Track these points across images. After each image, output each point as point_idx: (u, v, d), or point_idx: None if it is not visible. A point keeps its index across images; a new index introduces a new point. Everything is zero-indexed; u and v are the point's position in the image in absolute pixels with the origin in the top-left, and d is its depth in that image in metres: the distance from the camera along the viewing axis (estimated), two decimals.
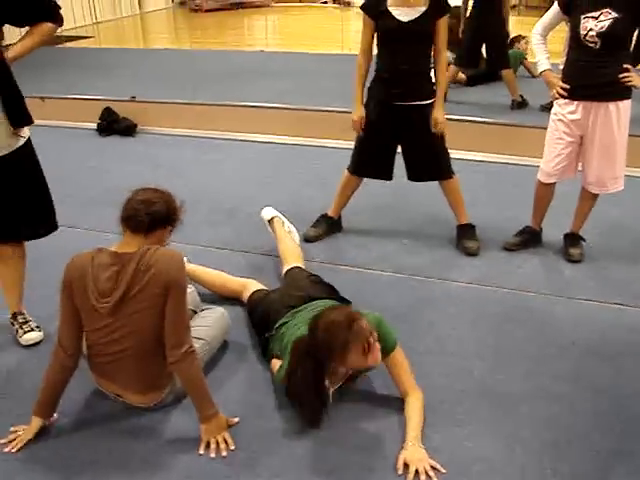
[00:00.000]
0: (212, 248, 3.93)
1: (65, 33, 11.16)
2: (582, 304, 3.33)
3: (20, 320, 3.07)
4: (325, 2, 14.03)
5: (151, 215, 2.48)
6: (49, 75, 7.86)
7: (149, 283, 2.37)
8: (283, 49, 9.54)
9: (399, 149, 3.81)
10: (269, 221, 3.77)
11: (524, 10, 11.98)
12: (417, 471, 2.27)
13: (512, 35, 7.24)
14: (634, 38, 3.42)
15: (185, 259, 2.65)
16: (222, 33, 11.53)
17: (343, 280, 3.34)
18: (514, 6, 11.26)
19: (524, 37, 7.37)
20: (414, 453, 2.33)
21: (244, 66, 8.20)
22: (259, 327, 3.00)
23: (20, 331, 3.04)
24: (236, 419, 2.52)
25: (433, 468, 2.29)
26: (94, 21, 12.25)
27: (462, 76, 6.97)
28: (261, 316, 3.01)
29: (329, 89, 6.71)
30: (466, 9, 6.60)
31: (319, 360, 2.40)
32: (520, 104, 6.23)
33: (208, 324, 2.90)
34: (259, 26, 13.11)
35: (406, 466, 2.30)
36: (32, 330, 3.04)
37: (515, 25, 9.09)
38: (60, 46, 10.29)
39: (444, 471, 2.29)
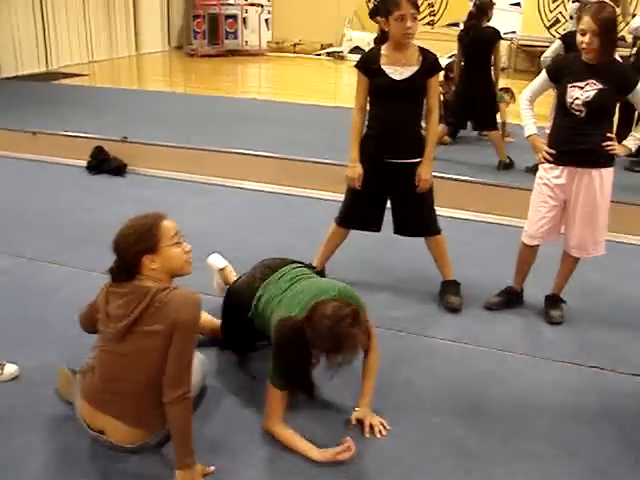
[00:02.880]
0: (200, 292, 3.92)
1: (62, 70, 11.31)
2: (561, 366, 3.36)
3: None
4: (319, 54, 14.28)
5: (120, 265, 2.52)
6: (43, 110, 7.93)
7: (159, 320, 2.38)
8: (275, 98, 9.67)
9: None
10: (220, 270, 3.73)
11: (512, 73, 12.25)
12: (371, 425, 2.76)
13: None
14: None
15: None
16: (216, 79, 11.68)
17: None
18: (503, 69, 11.50)
19: (512, 92, 7.53)
20: (365, 413, 2.80)
21: (236, 113, 8.31)
22: (236, 318, 3.16)
23: None
24: (212, 468, 2.50)
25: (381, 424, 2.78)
26: (90, 60, 12.37)
27: (447, 138, 7.09)
28: (234, 306, 3.19)
29: (319, 140, 6.81)
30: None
31: (310, 347, 2.53)
32: (507, 165, 6.33)
33: None
34: (253, 74, 13.30)
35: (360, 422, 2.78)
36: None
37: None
38: (56, 82, 10.39)
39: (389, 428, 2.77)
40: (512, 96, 7.42)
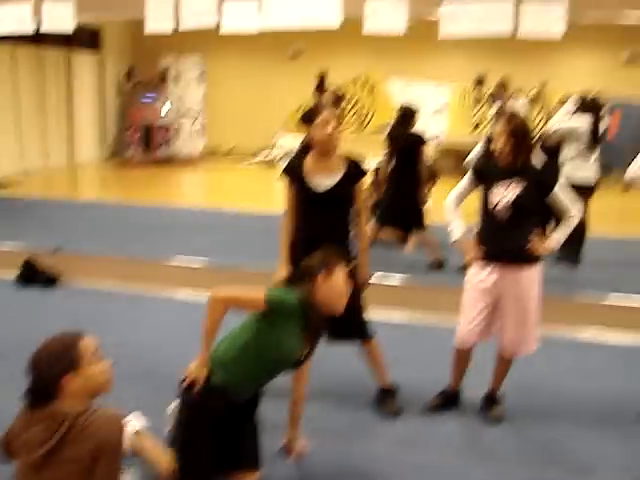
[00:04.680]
0: (128, 409, 3.79)
1: None
2: (501, 466, 3.34)
3: None
4: (251, 164, 14.53)
5: (36, 388, 2.41)
6: None
7: (80, 445, 2.28)
8: (210, 205, 9.76)
9: None
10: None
11: (441, 174, 12.67)
12: None
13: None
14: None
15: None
16: (152, 187, 11.74)
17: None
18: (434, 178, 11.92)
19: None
20: None
21: (172, 221, 8.34)
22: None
23: None
24: None
25: None
26: (23, 169, 12.29)
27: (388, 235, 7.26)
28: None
29: (252, 246, 6.84)
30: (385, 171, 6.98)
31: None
32: (439, 264, 6.47)
33: None
34: (188, 181, 13.41)
35: None
36: None
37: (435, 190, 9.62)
38: None
39: None
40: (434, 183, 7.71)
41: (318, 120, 3.56)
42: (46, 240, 6.82)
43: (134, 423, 3.20)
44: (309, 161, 3.70)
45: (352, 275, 3.68)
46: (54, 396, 2.41)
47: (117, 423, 2.37)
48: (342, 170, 3.67)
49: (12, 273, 6.17)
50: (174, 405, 3.31)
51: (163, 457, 2.94)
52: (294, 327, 2.87)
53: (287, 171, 3.77)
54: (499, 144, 3.49)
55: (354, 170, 3.70)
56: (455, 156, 12.69)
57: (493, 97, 9.02)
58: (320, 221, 3.68)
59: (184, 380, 2.87)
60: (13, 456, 2.51)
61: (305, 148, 3.85)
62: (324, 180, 3.64)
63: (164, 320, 5.38)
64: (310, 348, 3.04)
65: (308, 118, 3.66)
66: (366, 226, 3.94)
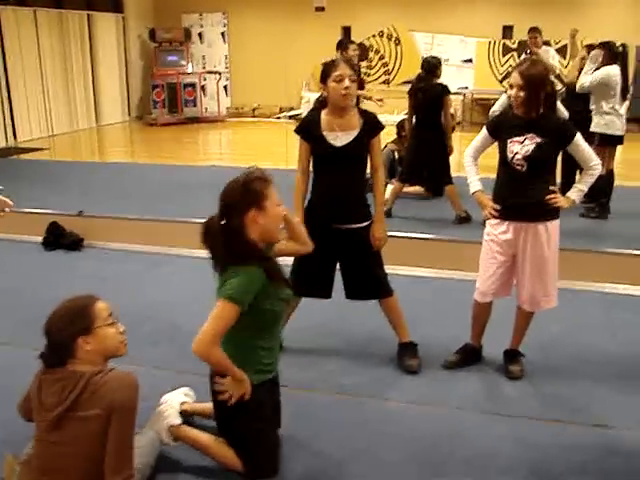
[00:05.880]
0: (152, 369, 3.85)
1: (20, 145, 11.30)
2: (522, 422, 3.32)
3: None
4: (279, 117, 14.46)
5: (53, 349, 2.46)
6: None
7: (94, 404, 2.34)
8: (235, 164, 9.73)
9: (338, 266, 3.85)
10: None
11: (468, 126, 12.51)
12: None
13: None
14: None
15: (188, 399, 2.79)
16: (177, 147, 11.76)
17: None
18: (458, 123, 11.77)
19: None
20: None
21: (195, 181, 8.31)
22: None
23: None
24: None
25: None
26: (50, 133, 12.39)
27: (417, 189, 7.19)
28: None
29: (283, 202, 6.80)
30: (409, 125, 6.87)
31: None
32: (463, 219, 6.39)
33: (138, 449, 2.77)
34: (213, 140, 13.41)
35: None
36: None
37: (460, 141, 9.50)
38: (14, 158, 10.37)
39: None
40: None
41: (333, 74, 3.49)
42: (73, 202, 6.88)
43: (172, 414, 3.05)
44: (325, 117, 3.63)
45: (369, 232, 3.69)
46: (69, 357, 2.47)
47: (131, 384, 2.41)
48: (358, 125, 3.60)
49: (39, 236, 6.25)
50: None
51: (229, 453, 2.88)
52: (262, 286, 2.73)
53: (301, 127, 3.71)
54: (513, 94, 3.39)
55: (371, 125, 3.63)
56: (483, 108, 12.51)
57: (524, 46, 8.81)
58: (337, 178, 3.64)
59: (219, 394, 2.78)
60: (32, 416, 2.57)
61: (321, 104, 3.77)
62: (340, 136, 3.58)
63: (187, 279, 5.41)
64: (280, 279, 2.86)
65: (323, 74, 3.59)
66: (383, 181, 3.87)
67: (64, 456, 2.38)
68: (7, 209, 2.87)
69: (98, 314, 2.53)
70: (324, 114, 3.64)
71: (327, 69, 3.53)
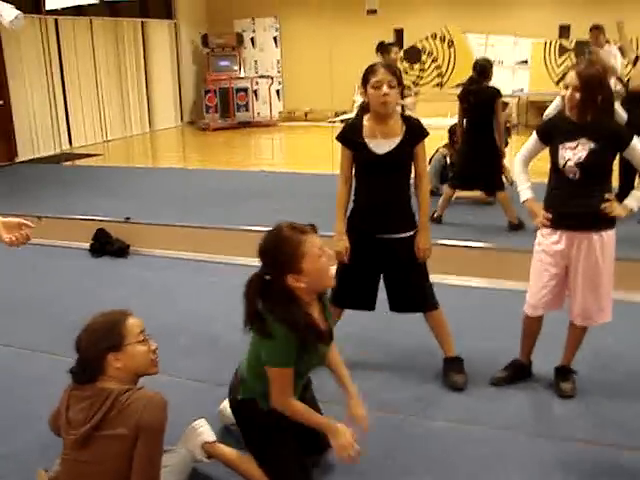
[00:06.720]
0: (188, 380, 3.79)
1: (76, 151, 11.50)
2: (573, 446, 3.13)
3: None
4: (333, 122, 14.35)
5: (83, 364, 2.42)
6: (52, 193, 8.02)
7: (121, 423, 2.29)
8: (285, 169, 9.69)
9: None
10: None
11: (523, 129, 12.20)
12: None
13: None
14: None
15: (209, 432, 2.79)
16: (228, 152, 11.78)
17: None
18: (514, 126, 11.48)
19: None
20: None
21: (244, 186, 8.28)
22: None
23: None
24: None
25: None
26: (104, 139, 12.58)
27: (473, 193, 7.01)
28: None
29: (324, 210, 6.69)
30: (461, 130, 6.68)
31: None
32: (516, 226, 6.17)
33: (168, 467, 2.69)
34: (265, 145, 13.40)
35: None
36: None
37: (515, 143, 9.24)
38: (68, 164, 10.54)
39: None
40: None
41: (372, 80, 3.37)
42: (122, 208, 6.90)
43: (206, 431, 2.99)
44: (367, 124, 3.51)
45: (413, 242, 3.55)
46: (99, 374, 2.43)
47: (159, 404, 2.36)
48: (401, 132, 3.47)
49: (87, 242, 6.29)
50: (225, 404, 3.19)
51: (257, 472, 2.79)
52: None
53: (343, 134, 3.60)
54: (568, 95, 3.21)
55: (414, 131, 3.49)
56: (539, 110, 12.18)
57: (584, 45, 8.49)
58: (380, 186, 3.51)
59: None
60: (60, 433, 2.52)
61: (363, 110, 3.66)
62: (382, 143, 3.45)
63: (230, 287, 5.29)
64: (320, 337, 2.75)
65: (363, 79, 3.47)
66: (428, 189, 3.72)
67: (90, 475, 2.33)
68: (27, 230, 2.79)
69: (130, 330, 2.48)
70: (366, 120, 3.52)
71: (366, 74, 3.41)
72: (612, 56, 7.90)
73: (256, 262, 2.71)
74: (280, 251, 2.58)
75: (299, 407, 2.67)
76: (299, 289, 2.61)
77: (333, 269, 2.71)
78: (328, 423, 2.67)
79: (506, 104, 7.73)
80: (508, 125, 7.87)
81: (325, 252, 2.63)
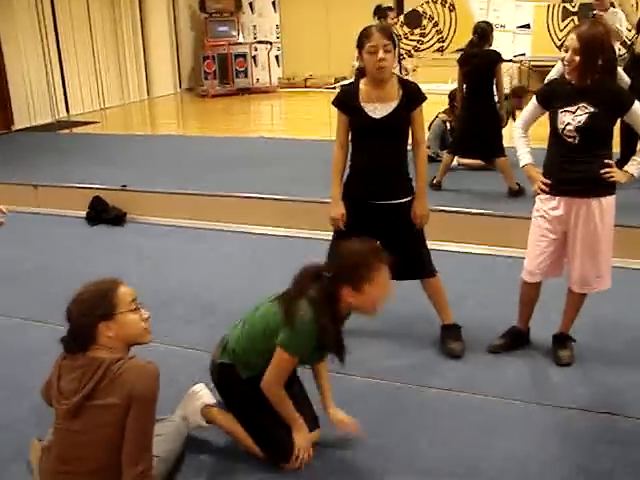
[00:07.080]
0: (183, 348, 3.77)
1: (73, 119, 11.38)
2: (570, 413, 3.11)
3: None
4: (334, 87, 14.19)
5: (74, 333, 2.38)
6: (49, 161, 7.93)
7: (112, 392, 2.26)
8: (284, 135, 9.58)
9: None
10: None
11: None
12: None
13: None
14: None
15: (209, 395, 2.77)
16: (227, 119, 11.66)
17: (312, 385, 3.07)
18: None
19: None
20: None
21: (243, 153, 8.20)
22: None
23: None
24: None
25: None
26: (102, 107, 12.44)
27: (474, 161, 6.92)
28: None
29: (322, 177, 6.63)
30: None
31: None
32: (516, 192, 6.10)
33: (162, 436, 2.68)
34: (264, 111, 13.27)
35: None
36: None
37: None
38: (65, 132, 10.44)
39: None
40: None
41: (367, 45, 3.29)
42: (119, 176, 6.83)
43: (205, 394, 2.99)
44: (363, 88, 3.44)
45: (410, 209, 3.50)
46: (90, 343, 2.40)
47: (152, 373, 2.33)
48: (398, 97, 3.40)
49: (83, 211, 6.24)
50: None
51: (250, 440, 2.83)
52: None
53: (338, 99, 3.53)
54: (568, 58, 3.12)
55: (411, 96, 3.42)
56: (542, 75, 12.02)
57: (588, 8, 8.32)
58: (376, 152, 3.46)
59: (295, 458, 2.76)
60: (52, 403, 2.50)
61: (360, 74, 3.58)
62: (379, 108, 3.39)
63: (227, 255, 5.32)
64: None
65: (359, 42, 3.39)
66: (426, 156, 3.65)
67: (82, 445, 2.31)
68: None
69: (121, 299, 2.43)
70: (362, 84, 3.46)
71: (361, 38, 3.33)
72: (617, 19, 7.73)
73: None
74: (356, 264, 2.62)
75: (283, 397, 2.72)
76: (346, 303, 2.64)
77: (381, 305, 2.72)
78: (298, 421, 2.77)
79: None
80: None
81: (388, 293, 2.68)
